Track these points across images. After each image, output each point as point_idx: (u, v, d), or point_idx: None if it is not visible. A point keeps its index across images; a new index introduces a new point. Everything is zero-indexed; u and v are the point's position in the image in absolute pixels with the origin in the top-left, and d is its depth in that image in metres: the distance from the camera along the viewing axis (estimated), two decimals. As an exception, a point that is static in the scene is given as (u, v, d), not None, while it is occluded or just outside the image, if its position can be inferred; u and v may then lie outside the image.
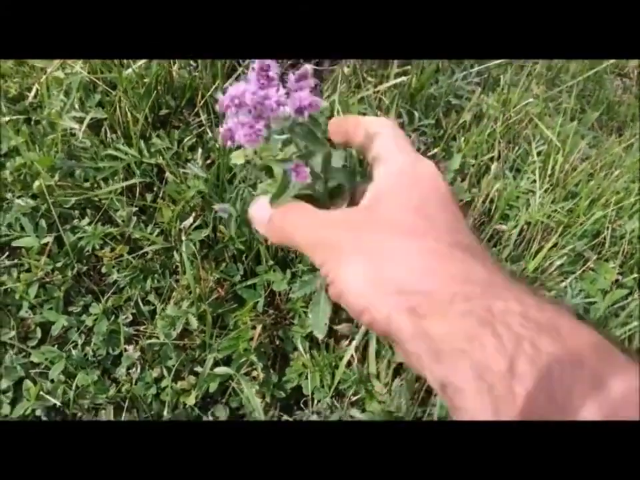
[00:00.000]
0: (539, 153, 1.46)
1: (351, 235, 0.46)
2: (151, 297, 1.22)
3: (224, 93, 0.54)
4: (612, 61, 2.22)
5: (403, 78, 1.44)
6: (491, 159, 1.46)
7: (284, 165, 0.60)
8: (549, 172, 1.45)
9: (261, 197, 0.58)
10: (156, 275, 1.25)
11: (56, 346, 1.15)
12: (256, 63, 0.57)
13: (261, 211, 0.56)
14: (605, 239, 1.44)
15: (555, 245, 1.33)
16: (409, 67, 1.46)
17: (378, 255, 0.43)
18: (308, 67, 0.56)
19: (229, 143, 0.55)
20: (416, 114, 1.45)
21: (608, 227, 1.43)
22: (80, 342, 1.15)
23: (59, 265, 1.22)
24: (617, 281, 1.40)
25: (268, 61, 0.56)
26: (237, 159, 1.36)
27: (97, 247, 1.24)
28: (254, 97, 0.52)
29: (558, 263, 1.32)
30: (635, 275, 1.41)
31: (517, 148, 1.53)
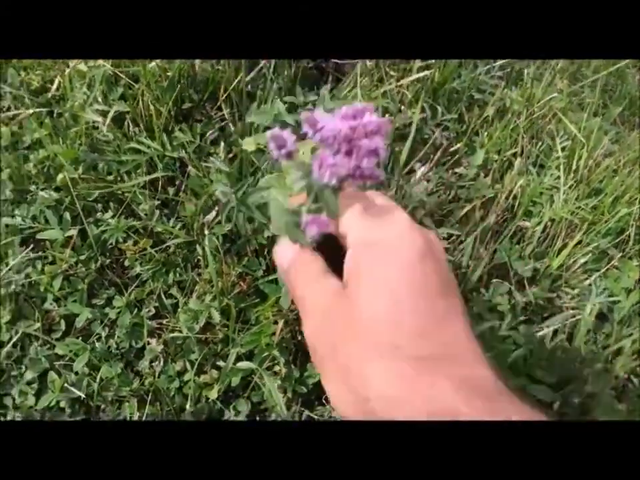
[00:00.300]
0: (562, 149, 1.44)
1: (330, 348, 0.45)
2: (174, 291, 1.22)
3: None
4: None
5: (426, 72, 1.43)
6: (514, 155, 1.45)
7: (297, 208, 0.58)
8: (573, 168, 1.43)
9: (284, 240, 0.57)
10: (178, 269, 1.26)
11: (80, 338, 1.16)
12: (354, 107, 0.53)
13: (282, 256, 0.55)
14: (629, 236, 1.42)
15: (579, 243, 1.32)
16: (432, 61, 1.45)
17: (357, 383, 0.42)
18: (382, 120, 0.52)
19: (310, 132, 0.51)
20: (439, 108, 1.44)
21: (632, 225, 1.41)
22: (104, 334, 1.16)
23: (82, 257, 1.23)
24: (640, 279, 1.38)
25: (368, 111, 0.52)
26: (248, 145, 1.36)
27: (120, 240, 1.25)
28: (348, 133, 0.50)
29: (582, 260, 1.31)
30: (660, 273, 1.40)
31: (540, 143, 1.51)
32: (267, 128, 1.31)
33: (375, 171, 0.50)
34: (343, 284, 0.47)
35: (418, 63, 1.44)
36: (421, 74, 1.42)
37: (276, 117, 1.31)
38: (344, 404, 0.43)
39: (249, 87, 1.44)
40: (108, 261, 1.27)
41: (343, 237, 0.50)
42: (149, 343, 1.16)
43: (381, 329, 0.41)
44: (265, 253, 1.25)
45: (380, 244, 0.45)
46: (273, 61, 1.42)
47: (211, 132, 1.38)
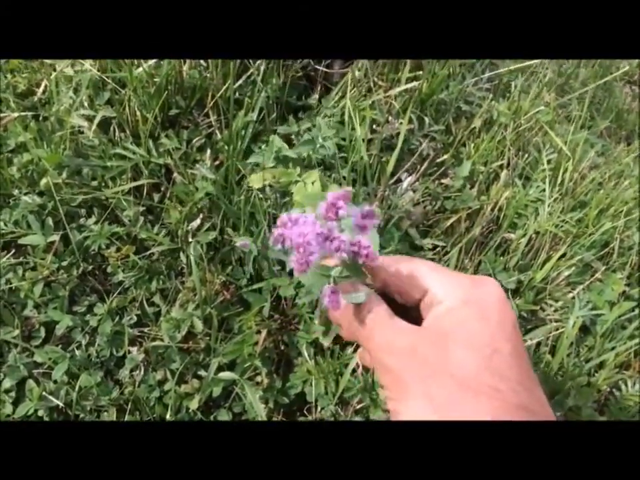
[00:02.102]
0: (548, 162, 1.45)
1: (419, 377, 0.46)
2: (156, 299, 1.21)
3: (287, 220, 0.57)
4: (622, 70, 2.21)
5: (415, 83, 1.43)
6: (501, 167, 1.45)
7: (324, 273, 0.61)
8: (558, 181, 1.44)
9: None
10: (162, 276, 1.24)
11: (60, 346, 1.14)
12: (329, 197, 0.58)
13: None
14: (613, 249, 1.43)
15: (563, 255, 1.33)
16: (420, 72, 1.45)
17: (445, 409, 0.44)
18: (376, 209, 0.58)
19: (278, 246, 0.57)
20: (426, 119, 1.44)
21: (616, 238, 1.42)
22: (84, 342, 1.15)
23: (64, 263, 1.22)
24: (624, 292, 1.39)
25: (340, 202, 0.57)
26: (255, 182, 1.37)
27: (103, 247, 1.23)
28: (318, 239, 0.54)
29: (566, 273, 1.31)
30: (643, 287, 1.40)
31: (526, 156, 1.52)
32: (273, 166, 1.32)
33: (371, 251, 0.55)
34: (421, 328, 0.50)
35: (407, 74, 1.45)
36: (409, 85, 1.43)
37: (277, 153, 1.31)
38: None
39: (237, 94, 1.43)
40: (90, 267, 1.25)
41: (417, 291, 0.53)
42: (129, 352, 1.15)
43: (481, 372, 0.44)
44: (250, 261, 1.24)
45: (481, 304, 0.48)
46: (262, 68, 1.42)
47: (197, 139, 1.37)
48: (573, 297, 1.30)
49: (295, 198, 1.22)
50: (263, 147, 1.36)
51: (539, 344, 1.22)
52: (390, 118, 1.39)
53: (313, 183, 1.24)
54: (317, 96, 1.53)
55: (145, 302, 1.20)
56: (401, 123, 1.41)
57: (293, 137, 1.41)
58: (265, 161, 1.31)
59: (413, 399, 0.45)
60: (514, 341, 0.47)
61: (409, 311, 0.54)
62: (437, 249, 1.28)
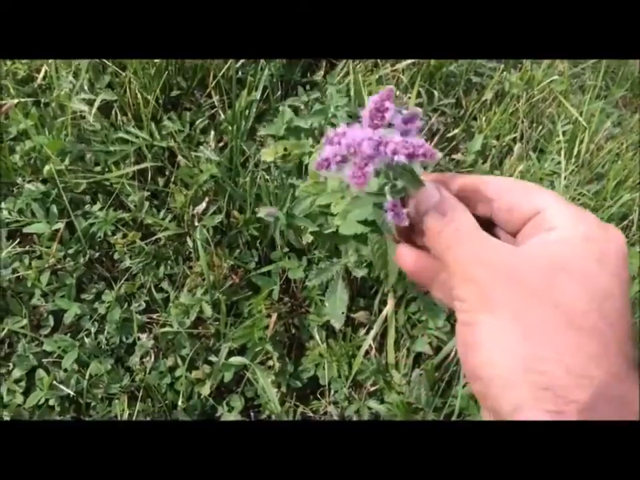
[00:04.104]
0: (563, 133, 1.40)
1: (512, 294, 0.42)
2: (164, 284, 1.20)
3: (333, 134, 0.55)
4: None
5: (422, 55, 1.39)
6: (514, 140, 1.41)
7: (376, 198, 0.59)
8: (574, 153, 1.39)
9: (430, 185, 0.55)
10: (169, 262, 1.23)
11: (69, 334, 1.13)
12: (371, 102, 0.56)
13: (430, 196, 0.52)
14: (632, 222, 1.39)
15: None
16: (428, 44, 1.40)
17: (538, 336, 0.40)
18: (418, 110, 0.55)
19: (323, 171, 0.55)
20: (435, 93, 1.40)
21: (636, 210, 1.37)
22: (93, 330, 1.14)
23: (70, 251, 1.20)
24: (643, 265, 1.35)
25: (386, 102, 0.55)
26: (267, 155, 1.33)
27: (109, 233, 1.22)
28: (369, 144, 0.52)
29: (583, 248, 1.27)
30: (663, 260, 1.36)
31: (540, 127, 1.47)
32: (281, 138, 1.28)
33: (428, 148, 0.53)
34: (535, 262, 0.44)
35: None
36: (417, 58, 1.38)
37: (288, 124, 1.28)
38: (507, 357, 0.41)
39: (239, 72, 1.40)
40: (97, 254, 1.24)
41: (527, 210, 0.47)
42: (139, 339, 1.13)
43: (591, 312, 0.40)
44: (257, 244, 1.22)
45: (603, 246, 0.44)
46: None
47: (200, 120, 1.34)
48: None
49: (311, 168, 1.18)
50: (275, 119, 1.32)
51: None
52: (397, 93, 1.35)
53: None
54: (322, 72, 1.49)
55: (153, 288, 1.18)
56: (409, 98, 1.37)
57: (302, 107, 1.37)
58: (276, 132, 1.28)
59: (500, 313, 0.41)
60: (626, 296, 0.43)
61: (494, 231, 0.50)
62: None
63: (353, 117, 1.26)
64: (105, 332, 1.14)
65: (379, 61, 1.40)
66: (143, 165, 1.27)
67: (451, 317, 1.17)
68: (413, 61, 1.39)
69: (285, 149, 1.25)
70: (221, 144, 1.35)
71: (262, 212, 1.10)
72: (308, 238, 1.11)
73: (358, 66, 1.40)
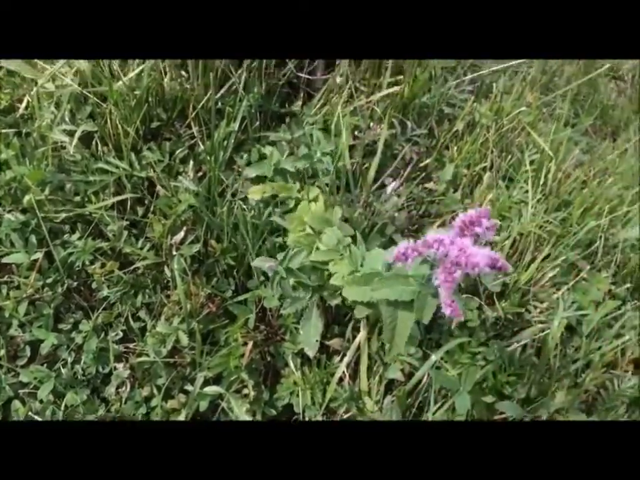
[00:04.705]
0: (531, 162, 1.45)
1: None
2: (142, 313, 1.21)
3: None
4: (607, 65, 2.21)
5: (396, 87, 1.43)
6: (484, 169, 1.46)
7: (422, 287, 0.74)
8: (541, 181, 1.44)
9: None
10: (147, 291, 1.24)
11: (45, 365, 1.14)
12: (467, 216, 0.70)
13: None
14: (598, 248, 1.44)
15: (547, 256, 1.33)
16: (401, 77, 1.45)
17: None
18: (496, 222, 0.70)
19: (399, 264, 0.69)
20: (408, 123, 1.44)
21: (601, 237, 1.42)
22: (70, 360, 1.15)
23: (49, 281, 1.22)
24: (610, 291, 1.39)
25: (483, 220, 0.69)
26: (255, 194, 1.38)
27: (87, 263, 1.23)
28: (460, 254, 0.65)
29: (550, 274, 1.32)
30: (628, 285, 1.41)
31: (510, 157, 1.52)
32: (270, 179, 1.32)
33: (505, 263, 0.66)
34: None
35: (388, 79, 1.45)
36: (391, 89, 1.43)
37: (275, 166, 1.31)
38: None
39: (219, 103, 1.43)
40: (75, 284, 1.25)
41: None
42: (115, 368, 1.15)
43: None
44: (234, 273, 1.24)
45: None
46: (243, 77, 1.42)
47: (180, 150, 1.37)
48: (558, 298, 1.30)
49: (302, 218, 1.20)
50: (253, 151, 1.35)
51: (525, 346, 1.22)
52: (371, 124, 1.39)
53: (315, 202, 1.23)
54: (300, 103, 1.53)
55: (130, 317, 1.20)
56: (382, 128, 1.41)
57: (284, 143, 1.40)
58: (263, 172, 1.31)
59: None
60: None
61: None
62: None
63: (333, 157, 1.29)
64: (82, 362, 1.15)
65: (353, 92, 1.44)
66: (122, 197, 1.29)
67: (422, 344, 1.20)
68: (387, 92, 1.43)
69: (273, 189, 1.28)
70: (200, 174, 1.38)
71: (259, 263, 1.13)
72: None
73: (334, 98, 1.44)
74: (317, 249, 1.08)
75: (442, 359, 1.15)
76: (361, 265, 0.98)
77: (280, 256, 1.11)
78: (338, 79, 1.46)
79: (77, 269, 1.25)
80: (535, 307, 1.31)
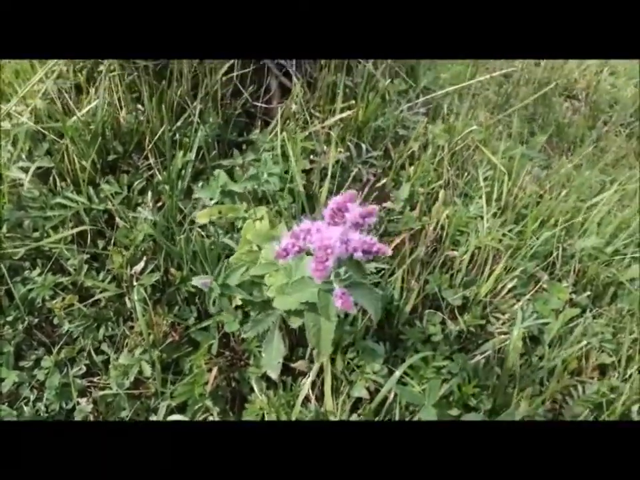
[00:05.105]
0: (485, 179, 1.49)
1: None
2: (104, 346, 1.20)
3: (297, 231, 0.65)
4: (552, 84, 2.29)
5: (349, 112, 1.47)
6: (440, 187, 1.49)
7: (322, 285, 0.73)
8: (495, 196, 1.47)
9: None
10: (109, 323, 1.23)
11: (6, 403, 1.12)
12: (333, 202, 0.70)
13: None
14: (556, 258, 1.47)
15: (505, 268, 1.35)
16: (354, 102, 1.49)
17: None
18: (375, 208, 0.69)
19: (281, 261, 0.68)
20: (364, 146, 1.47)
21: (558, 247, 1.46)
22: (32, 397, 1.13)
23: (9, 318, 1.20)
24: (571, 300, 1.42)
25: (348, 204, 0.69)
26: (202, 218, 1.39)
27: (48, 298, 1.22)
28: (338, 243, 0.65)
29: (510, 285, 1.34)
30: (588, 293, 1.44)
31: (466, 174, 1.56)
32: (216, 202, 1.34)
33: (382, 246, 0.66)
34: None
35: (341, 104, 1.48)
36: (344, 114, 1.46)
37: (222, 188, 1.33)
38: None
39: (176, 135, 1.45)
40: (36, 320, 1.24)
41: None
42: (78, 403, 1.13)
43: None
44: (196, 299, 1.24)
45: None
46: (198, 108, 1.44)
47: (138, 182, 1.37)
48: (520, 308, 1.32)
49: (245, 236, 1.22)
50: (210, 179, 1.37)
51: (488, 358, 1.24)
52: (325, 148, 1.42)
53: (261, 220, 1.25)
54: (257, 131, 1.56)
55: (92, 351, 1.18)
56: (340, 152, 1.44)
57: (237, 168, 1.42)
58: (211, 195, 1.32)
59: None
60: None
61: None
62: (382, 272, 1.29)
63: (283, 180, 1.32)
64: (44, 399, 1.13)
65: (308, 118, 1.47)
66: (81, 228, 1.29)
67: (388, 361, 1.21)
68: (340, 116, 1.46)
69: (220, 212, 1.29)
70: (159, 204, 1.38)
71: (196, 281, 1.13)
72: (238, 302, 1.14)
73: (289, 125, 1.47)
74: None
75: (408, 375, 1.15)
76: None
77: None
78: (293, 106, 1.49)
79: (38, 305, 1.23)
80: (497, 319, 1.32)
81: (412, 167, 1.50)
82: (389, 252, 0.67)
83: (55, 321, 1.23)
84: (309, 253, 0.73)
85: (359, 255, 0.67)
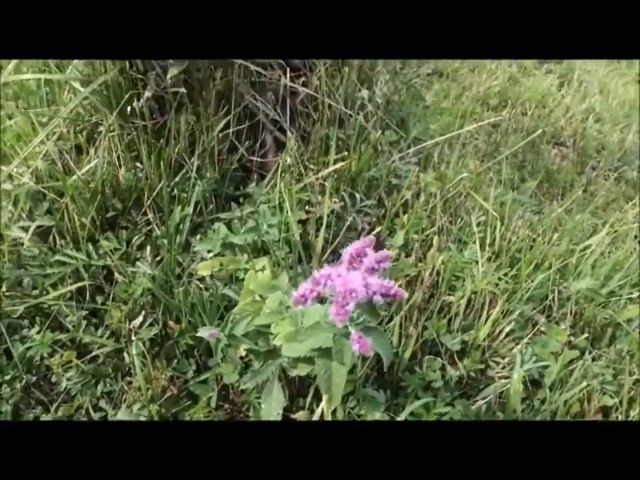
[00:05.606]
0: (478, 224, 1.52)
1: None
2: (102, 403, 1.19)
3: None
4: (538, 132, 2.36)
5: (342, 163, 1.51)
6: (434, 233, 1.51)
7: (336, 329, 0.75)
8: (489, 241, 1.50)
9: None
10: (108, 379, 1.23)
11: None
12: (352, 248, 0.74)
13: None
14: (553, 301, 1.48)
15: (502, 312, 1.36)
16: (346, 153, 1.53)
17: None
18: (389, 253, 0.72)
19: (299, 307, 0.70)
20: (357, 196, 1.51)
21: (554, 290, 1.47)
22: (28, 457, 1.11)
23: (7, 377, 1.20)
24: (569, 342, 1.42)
25: (367, 249, 0.73)
26: (203, 269, 1.41)
27: (46, 355, 1.22)
28: (361, 287, 0.68)
29: (507, 329, 1.34)
30: (587, 335, 1.44)
31: (459, 220, 1.59)
32: (216, 254, 1.36)
33: (399, 290, 0.69)
34: None
35: (334, 156, 1.53)
36: (338, 165, 1.50)
37: (223, 240, 1.36)
38: None
39: (174, 190, 1.48)
40: (34, 378, 1.23)
41: None
42: (76, 461, 1.11)
43: None
44: (195, 352, 1.24)
45: None
46: (195, 164, 1.47)
47: (136, 237, 1.40)
48: (519, 351, 1.32)
49: (248, 287, 1.22)
50: (209, 232, 1.39)
51: (490, 403, 1.23)
52: (320, 198, 1.45)
53: (263, 271, 1.26)
54: (254, 185, 1.60)
55: (90, 408, 1.17)
56: (335, 202, 1.47)
57: (235, 221, 1.45)
58: (212, 247, 1.34)
59: None
60: None
61: None
62: (381, 319, 1.30)
63: (281, 230, 1.34)
64: (42, 457, 1.11)
65: (302, 170, 1.51)
66: (79, 284, 1.30)
67: (389, 409, 1.20)
68: (334, 168, 1.50)
69: (221, 264, 1.31)
70: (158, 258, 1.40)
71: (203, 332, 1.14)
72: (242, 352, 1.15)
73: (284, 177, 1.51)
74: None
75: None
76: (302, 323, 0.99)
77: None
78: (288, 160, 1.53)
79: (36, 363, 1.23)
80: (497, 363, 1.32)
81: (406, 215, 1.52)
82: (406, 295, 0.70)
83: (53, 379, 1.22)
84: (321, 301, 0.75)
85: (378, 298, 0.70)
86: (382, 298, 0.70)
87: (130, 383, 1.23)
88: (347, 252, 0.74)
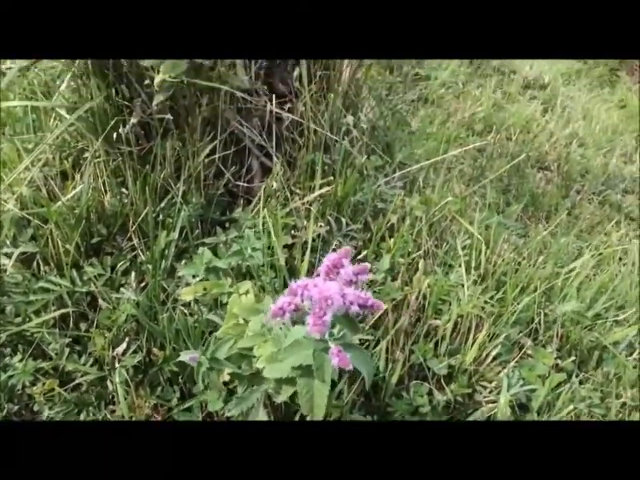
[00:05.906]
0: (464, 247, 1.52)
1: None
2: (84, 431, 1.17)
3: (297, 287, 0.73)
4: (523, 155, 2.39)
5: (328, 188, 1.52)
6: (420, 257, 1.52)
7: (316, 344, 0.74)
8: (475, 264, 1.50)
9: None
10: (91, 408, 1.21)
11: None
12: (327, 260, 0.74)
13: None
14: (539, 324, 1.48)
15: (488, 335, 1.36)
16: (332, 178, 1.54)
17: None
18: (367, 265, 0.73)
19: (277, 319, 0.70)
20: (343, 220, 1.51)
21: (539, 313, 1.47)
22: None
23: (-13, 408, 1.18)
24: (557, 365, 1.42)
25: (343, 260, 0.73)
26: (186, 294, 1.40)
27: (28, 384, 1.20)
28: (337, 295, 0.68)
29: (494, 352, 1.34)
30: (573, 358, 1.44)
31: (444, 244, 1.59)
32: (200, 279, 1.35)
33: (377, 301, 0.69)
34: None
35: (320, 180, 1.53)
36: (323, 190, 1.51)
37: (207, 264, 1.35)
38: None
39: (160, 215, 1.48)
40: (16, 407, 1.21)
41: None
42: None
43: None
44: (179, 379, 1.23)
45: None
46: (181, 189, 1.47)
47: (121, 263, 1.39)
48: (505, 375, 1.32)
49: (232, 310, 1.22)
50: (194, 257, 1.39)
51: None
52: (306, 223, 1.46)
53: (246, 294, 1.26)
54: (240, 209, 1.60)
55: (72, 437, 1.15)
56: (321, 226, 1.48)
57: (221, 246, 1.45)
58: (196, 272, 1.34)
59: None
60: None
61: None
62: (367, 343, 1.30)
63: (265, 255, 1.34)
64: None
65: (288, 195, 1.52)
66: (63, 311, 1.28)
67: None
68: (320, 192, 1.51)
69: (204, 289, 1.30)
70: (143, 284, 1.39)
71: (184, 356, 1.12)
72: (225, 377, 1.13)
73: (270, 202, 1.51)
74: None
75: (396, 448, 1.13)
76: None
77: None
78: (274, 185, 1.54)
79: (18, 391, 1.21)
80: (484, 387, 1.32)
81: (392, 239, 1.53)
82: (383, 306, 0.69)
83: (35, 408, 1.20)
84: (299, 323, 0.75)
85: (355, 308, 0.69)
86: (359, 309, 0.69)
87: (113, 412, 1.21)
88: (324, 263, 0.74)
